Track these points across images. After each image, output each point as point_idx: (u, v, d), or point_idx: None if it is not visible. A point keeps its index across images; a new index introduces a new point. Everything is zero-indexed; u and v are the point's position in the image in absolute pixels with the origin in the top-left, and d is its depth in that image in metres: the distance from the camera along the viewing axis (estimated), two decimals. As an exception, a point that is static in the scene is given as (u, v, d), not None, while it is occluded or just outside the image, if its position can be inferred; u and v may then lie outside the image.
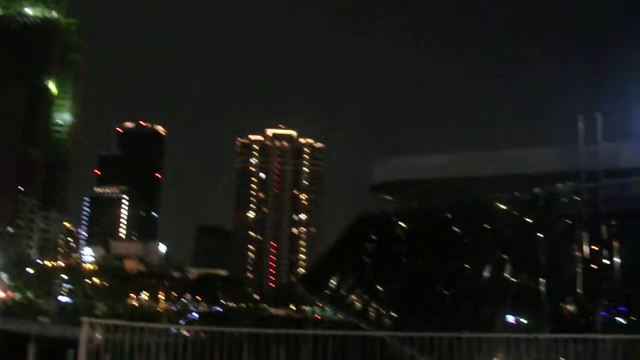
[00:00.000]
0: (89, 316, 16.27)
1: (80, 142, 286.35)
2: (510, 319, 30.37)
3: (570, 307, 29.93)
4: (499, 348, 16.15)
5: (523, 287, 30.71)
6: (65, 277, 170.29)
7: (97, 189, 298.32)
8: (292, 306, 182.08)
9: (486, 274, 31.78)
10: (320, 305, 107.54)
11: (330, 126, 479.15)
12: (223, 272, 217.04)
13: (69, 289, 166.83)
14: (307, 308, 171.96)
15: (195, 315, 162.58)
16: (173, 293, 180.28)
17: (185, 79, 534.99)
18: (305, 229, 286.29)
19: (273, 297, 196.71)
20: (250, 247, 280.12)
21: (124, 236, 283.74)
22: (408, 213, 36.83)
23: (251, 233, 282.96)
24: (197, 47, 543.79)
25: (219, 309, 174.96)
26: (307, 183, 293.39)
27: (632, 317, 28.27)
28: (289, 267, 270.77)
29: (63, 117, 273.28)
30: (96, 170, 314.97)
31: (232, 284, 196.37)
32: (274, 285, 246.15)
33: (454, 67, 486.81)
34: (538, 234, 30.94)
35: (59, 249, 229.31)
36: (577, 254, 29.57)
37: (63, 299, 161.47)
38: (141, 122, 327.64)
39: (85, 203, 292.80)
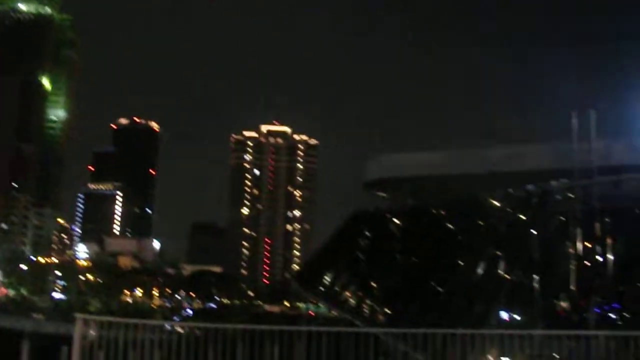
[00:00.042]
0: (82, 313, 16.28)
1: (74, 138, 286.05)
2: (504, 315, 30.45)
3: (564, 304, 30.01)
4: (492, 344, 16.19)
5: (517, 283, 30.78)
6: (59, 273, 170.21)
7: (91, 186, 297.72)
8: (286, 303, 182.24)
9: (480, 270, 31.85)
10: (315, 302, 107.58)
11: (325, 123, 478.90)
12: (217, 269, 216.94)
13: (63, 286, 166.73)
14: (301, 305, 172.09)
15: (190, 311, 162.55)
16: (167, 290, 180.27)
17: (180, 75, 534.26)
18: (299, 226, 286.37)
19: (267, 293, 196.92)
20: (245, 243, 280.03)
21: (118, 233, 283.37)
22: (402, 210, 36.87)
23: (245, 230, 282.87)
24: (192, 44, 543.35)
25: (213, 305, 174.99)
26: (301, 180, 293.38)
27: (625, 314, 28.38)
28: (283, 264, 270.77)
29: (57, 113, 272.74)
30: (90, 167, 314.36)
31: (226, 280, 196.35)
32: (268, 282, 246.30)
33: (454, 67, 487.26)
34: (532, 231, 31.01)
35: (53, 245, 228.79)
36: (571, 251, 29.65)
37: (57, 295, 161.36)
38: (135, 118, 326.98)
39: (79, 199, 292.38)
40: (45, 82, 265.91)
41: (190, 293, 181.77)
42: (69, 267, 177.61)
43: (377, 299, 34.63)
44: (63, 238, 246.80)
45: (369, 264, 35.55)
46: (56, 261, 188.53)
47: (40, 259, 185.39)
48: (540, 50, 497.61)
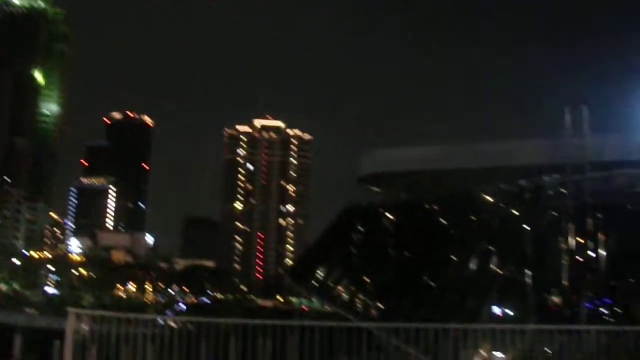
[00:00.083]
0: (75, 307, 16.24)
1: (67, 132, 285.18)
2: (496, 310, 30.56)
3: (556, 299, 30.14)
4: (484, 339, 16.24)
5: (509, 278, 30.89)
6: (51, 268, 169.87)
7: (84, 180, 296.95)
8: (279, 297, 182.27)
9: (472, 265, 31.95)
10: (308, 296, 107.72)
11: (318, 118, 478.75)
12: (210, 264, 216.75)
13: (56, 280, 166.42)
14: (294, 299, 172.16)
15: (183, 306, 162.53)
16: (160, 284, 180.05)
17: (174, 70, 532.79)
18: (292, 221, 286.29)
19: (260, 288, 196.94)
20: (238, 238, 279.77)
21: (111, 227, 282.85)
22: (395, 205, 36.95)
23: (238, 224, 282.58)
24: (187, 39, 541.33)
25: (206, 300, 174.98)
26: (294, 174, 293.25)
27: (616, 309, 28.51)
28: (276, 259, 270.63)
29: (50, 107, 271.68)
30: (83, 161, 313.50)
31: (219, 275, 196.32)
32: (261, 277, 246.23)
33: (454, 67, 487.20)
34: (524, 226, 31.11)
35: (46, 240, 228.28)
36: (563, 246, 29.77)
37: (49, 290, 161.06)
38: (128, 112, 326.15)
39: (72, 194, 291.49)
40: (38, 76, 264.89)
41: (183, 287, 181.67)
42: (62, 262, 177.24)
43: (370, 294, 34.72)
44: (56, 232, 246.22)
45: (361, 259, 35.63)
46: (49, 255, 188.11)
47: (33, 254, 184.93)
48: (539, 50, 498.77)
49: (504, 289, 30.37)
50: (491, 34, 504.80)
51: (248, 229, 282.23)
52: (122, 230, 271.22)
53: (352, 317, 32.23)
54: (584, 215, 29.40)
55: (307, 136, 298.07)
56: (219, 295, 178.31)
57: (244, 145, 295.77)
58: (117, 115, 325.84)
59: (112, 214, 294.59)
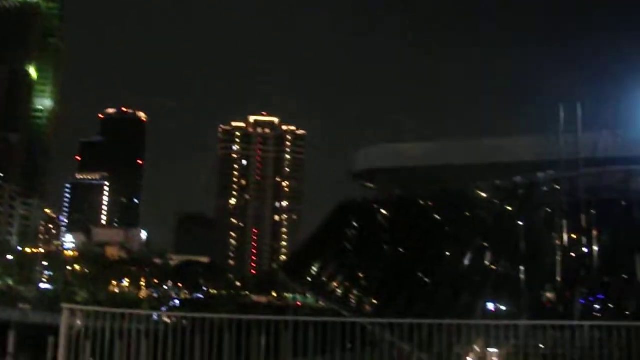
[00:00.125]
0: (69, 303, 16.24)
1: (61, 128, 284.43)
2: (490, 306, 30.63)
3: (550, 295, 30.23)
4: (478, 335, 16.29)
5: (503, 274, 30.96)
6: (46, 264, 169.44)
7: (78, 176, 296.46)
8: (273, 293, 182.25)
9: (466, 261, 32.00)
10: (302, 292, 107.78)
11: (313, 114, 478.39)
12: (204, 259, 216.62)
13: (50, 276, 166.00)
14: (288, 295, 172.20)
15: (177, 302, 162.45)
16: (154, 280, 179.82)
17: (171, 67, 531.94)
18: (287, 216, 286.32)
19: (255, 284, 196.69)
20: (232, 234, 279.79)
21: (105, 223, 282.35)
22: (389, 201, 36.99)
23: (233, 220, 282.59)
24: (183, 34, 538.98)
25: (200, 295, 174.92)
26: (289, 170, 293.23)
27: (609, 305, 28.61)
28: (270, 254, 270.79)
29: (44, 103, 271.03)
30: (77, 157, 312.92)
31: (213, 270, 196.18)
32: (255, 272, 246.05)
33: (454, 67, 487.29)
34: (518, 222, 31.18)
35: (40, 235, 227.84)
36: (557, 242, 29.84)
37: (44, 286, 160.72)
38: (123, 108, 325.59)
39: (67, 189, 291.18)
40: (32, 71, 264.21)
41: (178, 283, 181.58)
42: (56, 258, 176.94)
43: (364, 290, 34.76)
44: (50, 228, 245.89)
45: (356, 255, 35.66)
46: (43, 251, 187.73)
47: (27, 249, 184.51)
48: (539, 50, 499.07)
49: (498, 285, 30.44)
50: (491, 34, 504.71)
51: (242, 225, 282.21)
52: (117, 226, 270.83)
53: (346, 312, 32.27)
54: (577, 212, 29.48)
55: (301, 132, 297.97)
56: (213, 291, 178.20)
57: (239, 141, 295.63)
58: (111, 110, 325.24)
59: (106, 209, 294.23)
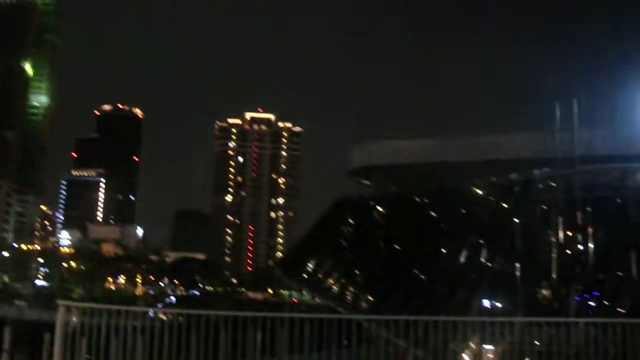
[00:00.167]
0: (65, 300, 16.21)
1: (57, 124, 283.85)
2: (486, 303, 30.65)
3: (545, 292, 30.27)
4: (474, 331, 16.32)
5: (499, 271, 30.99)
6: (42, 260, 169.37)
7: (74, 172, 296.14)
8: (269, 290, 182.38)
9: (462, 258, 32.02)
10: (298, 289, 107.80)
11: (310, 111, 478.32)
12: (201, 256, 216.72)
13: (46, 273, 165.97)
14: (284, 292, 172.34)
15: (173, 298, 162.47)
16: (150, 277, 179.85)
17: (169, 65, 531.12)
18: (283, 213, 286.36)
19: (251, 280, 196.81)
20: (228, 230, 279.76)
21: (101, 220, 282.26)
22: (385, 197, 36.99)
23: (229, 217, 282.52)
24: (184, 36, 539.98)
25: (196, 292, 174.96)
26: (285, 167, 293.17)
27: (604, 302, 28.67)
28: (266, 251, 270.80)
29: (39, 99, 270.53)
30: (73, 153, 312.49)
31: (209, 267, 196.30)
32: (251, 269, 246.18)
33: (454, 67, 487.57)
34: (514, 219, 31.21)
35: (36, 232, 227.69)
36: (552, 239, 29.88)
37: (40, 282, 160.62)
38: (119, 104, 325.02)
39: (62, 186, 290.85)
40: (28, 68, 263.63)
41: (174, 280, 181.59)
42: (52, 254, 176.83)
43: (360, 286, 34.76)
44: (46, 225, 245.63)
45: (352, 251, 35.65)
46: (39, 248, 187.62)
47: (23, 246, 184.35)
48: (539, 50, 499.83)
49: (494, 281, 30.46)
50: (491, 34, 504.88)
51: (238, 222, 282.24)
52: (113, 222, 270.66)
53: (342, 309, 32.28)
54: (573, 209, 29.52)
55: (297, 128, 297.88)
56: (209, 288, 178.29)
57: (235, 138, 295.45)
58: (107, 107, 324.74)
59: (102, 206, 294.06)
